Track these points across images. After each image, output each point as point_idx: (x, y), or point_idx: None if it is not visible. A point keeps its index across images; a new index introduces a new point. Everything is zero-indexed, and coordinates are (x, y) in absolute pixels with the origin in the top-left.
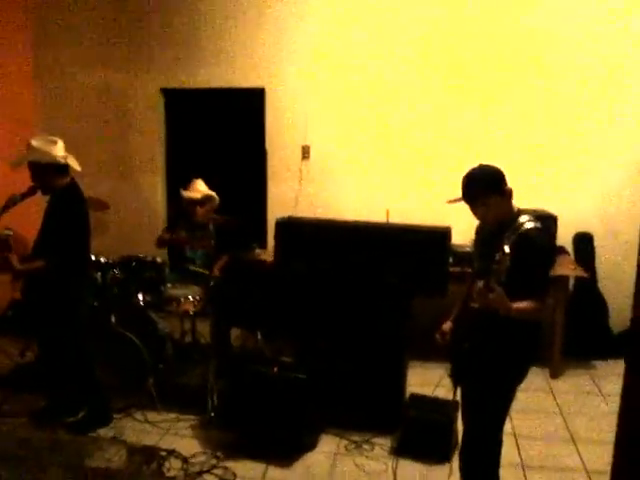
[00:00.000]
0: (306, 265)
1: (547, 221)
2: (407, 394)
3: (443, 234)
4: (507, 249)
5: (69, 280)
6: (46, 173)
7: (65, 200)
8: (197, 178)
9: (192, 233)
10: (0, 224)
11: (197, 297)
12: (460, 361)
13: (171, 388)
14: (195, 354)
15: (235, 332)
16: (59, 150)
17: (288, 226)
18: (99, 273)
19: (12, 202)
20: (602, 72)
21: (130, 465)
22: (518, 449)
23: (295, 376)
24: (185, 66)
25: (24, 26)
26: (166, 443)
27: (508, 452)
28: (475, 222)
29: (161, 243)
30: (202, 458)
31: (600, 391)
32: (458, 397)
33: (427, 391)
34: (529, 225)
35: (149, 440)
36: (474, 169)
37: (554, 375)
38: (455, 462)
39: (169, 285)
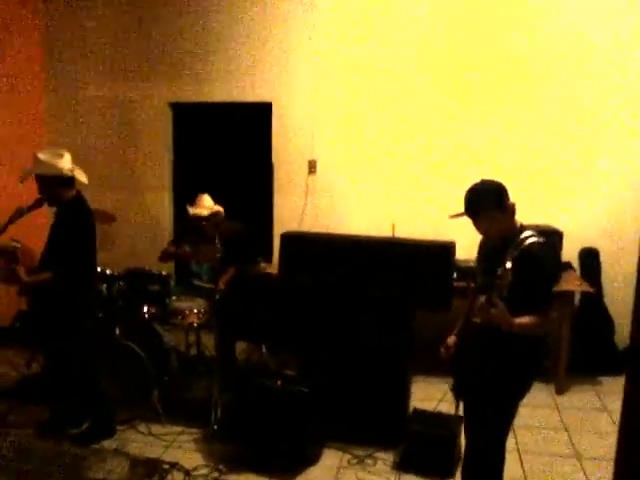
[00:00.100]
0: (310, 279)
1: (552, 236)
2: (411, 408)
3: (447, 249)
4: (509, 264)
5: (75, 292)
6: (52, 186)
7: (71, 212)
8: (203, 193)
9: (197, 247)
10: (7, 236)
11: (202, 310)
12: (463, 375)
13: (175, 401)
14: (200, 367)
15: (241, 345)
16: (65, 163)
17: (293, 240)
18: (104, 285)
19: (19, 214)
20: (610, 86)
21: (132, 477)
22: (522, 464)
23: (298, 389)
24: (193, 80)
25: (36, 39)
26: (169, 456)
27: (511, 467)
28: (479, 237)
29: (165, 257)
30: (204, 471)
31: (605, 407)
32: (461, 411)
33: (431, 406)
34: (532, 240)
35: (152, 453)
36: (476, 184)
37: (559, 391)
38: (458, 477)
39: (174, 298)
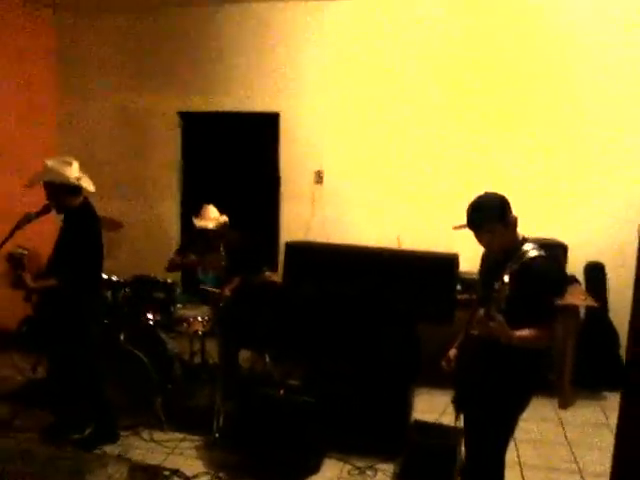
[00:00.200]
0: (314, 288)
1: (557, 250)
2: (413, 420)
3: (450, 261)
4: (506, 278)
5: (81, 298)
6: (59, 193)
7: (78, 219)
8: (208, 204)
9: (203, 256)
10: (15, 242)
11: (206, 317)
12: (463, 388)
13: (178, 408)
14: (204, 375)
15: (245, 354)
16: (73, 171)
17: (298, 249)
18: (110, 292)
19: (27, 220)
20: (616, 100)
21: None
22: (523, 479)
23: (300, 399)
24: (202, 90)
25: (51, 50)
26: (171, 462)
27: None
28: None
29: (172, 267)
30: (205, 478)
31: (609, 423)
32: (461, 424)
33: (433, 417)
34: (533, 253)
35: (154, 459)
36: (479, 197)
37: (563, 405)
38: None
39: (179, 305)
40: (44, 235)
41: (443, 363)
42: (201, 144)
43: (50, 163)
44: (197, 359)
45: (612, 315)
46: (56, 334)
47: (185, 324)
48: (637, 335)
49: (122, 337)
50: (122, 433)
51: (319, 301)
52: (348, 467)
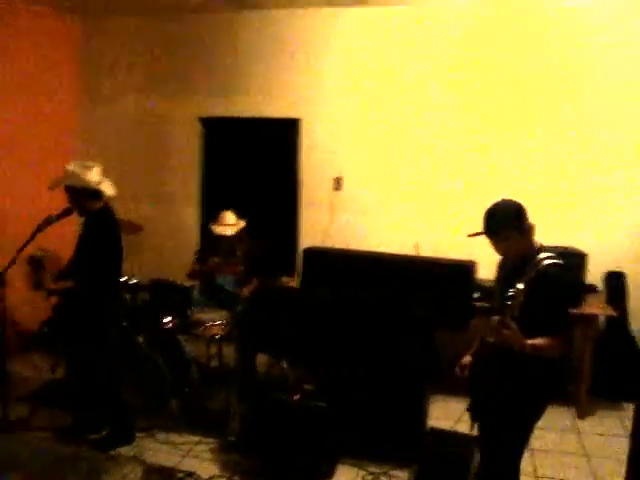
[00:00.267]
0: (331, 294)
1: (575, 259)
2: (428, 427)
3: (467, 268)
4: (520, 285)
5: (101, 301)
6: (80, 197)
7: (98, 223)
8: (226, 210)
9: (221, 260)
10: (37, 244)
11: (224, 321)
12: (479, 396)
13: (195, 411)
14: (221, 378)
15: (263, 358)
16: (93, 175)
17: (315, 255)
18: (129, 294)
19: (47, 222)
20: (635, 107)
21: None
22: None
23: (315, 404)
24: (223, 96)
25: (74, 55)
26: (186, 465)
27: None
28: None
29: (193, 275)
30: None
31: (628, 434)
32: (476, 431)
33: (448, 425)
34: (549, 262)
35: (170, 461)
36: (496, 204)
37: (581, 415)
38: None
39: (197, 309)
40: (66, 237)
41: (457, 370)
42: (221, 149)
43: (71, 167)
44: (214, 362)
45: (633, 324)
46: (75, 336)
47: (202, 328)
48: None
49: (140, 340)
50: (138, 435)
51: (336, 307)
52: (362, 473)
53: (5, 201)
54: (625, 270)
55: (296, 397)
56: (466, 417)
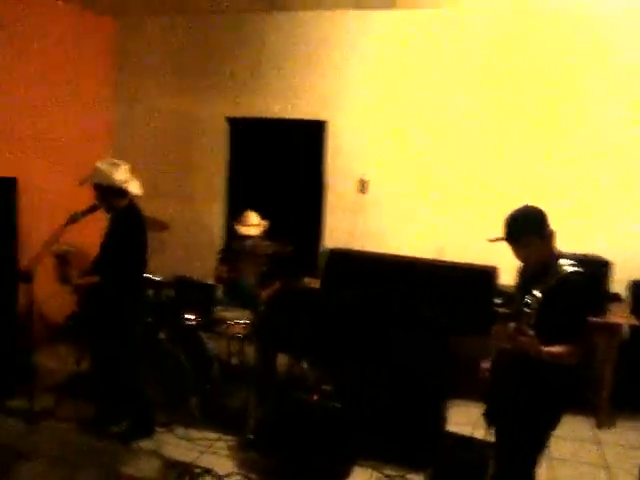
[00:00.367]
0: (352, 295)
1: (599, 267)
2: (445, 432)
3: (488, 274)
4: (537, 293)
5: (125, 297)
6: (107, 194)
7: (123, 220)
8: (249, 210)
9: (243, 262)
10: (64, 239)
11: (246, 321)
12: (495, 402)
13: (215, 408)
14: (241, 376)
15: (284, 358)
16: (120, 174)
17: (338, 256)
18: (152, 291)
19: (73, 219)
20: None
21: (162, 477)
22: None
23: (333, 405)
24: (250, 96)
25: (106, 53)
26: (204, 461)
27: None
28: None
29: (220, 280)
30: (236, 478)
31: None
32: (492, 437)
33: (466, 430)
34: (568, 269)
35: (188, 456)
36: (517, 210)
37: (601, 425)
38: None
39: (220, 307)
40: (94, 233)
41: (480, 372)
42: (248, 149)
43: (100, 165)
44: (235, 361)
45: None
46: (99, 331)
47: (225, 326)
48: None
49: (163, 336)
50: (158, 429)
51: (356, 308)
52: (378, 475)
53: (38, 196)
54: None
55: (315, 398)
56: (483, 422)
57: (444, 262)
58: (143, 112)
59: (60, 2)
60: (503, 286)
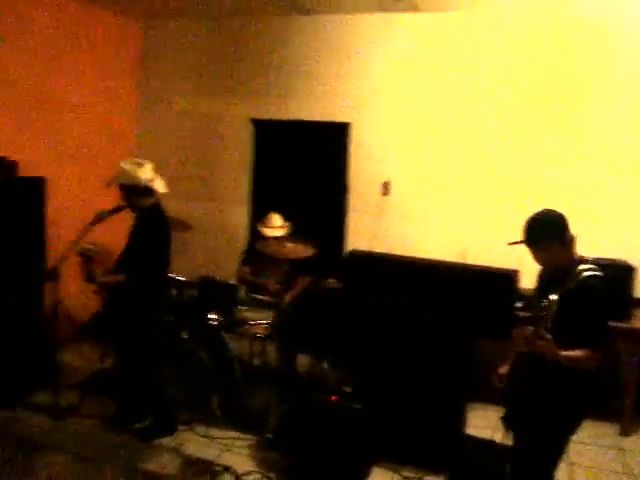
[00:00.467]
0: (373, 298)
1: (623, 271)
2: (466, 435)
3: (510, 277)
4: (553, 297)
5: (149, 296)
6: (132, 194)
7: (148, 220)
8: (273, 212)
9: (267, 262)
10: (91, 238)
11: (269, 321)
12: (513, 406)
13: (235, 407)
14: (262, 377)
15: (305, 358)
16: (145, 173)
17: (359, 258)
18: (176, 291)
19: (99, 218)
20: None
21: (182, 474)
22: None
23: (352, 406)
24: (275, 98)
25: (132, 56)
26: (224, 459)
27: None
28: None
29: (242, 281)
30: (255, 476)
31: None
32: (510, 441)
33: (487, 434)
34: (587, 273)
35: (208, 454)
36: (537, 214)
37: (625, 433)
38: None
39: (242, 307)
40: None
41: (494, 379)
42: (272, 151)
43: (125, 165)
44: (257, 361)
45: None
46: (123, 330)
47: (247, 326)
48: None
49: (185, 335)
50: (179, 427)
51: (377, 310)
52: (397, 477)
53: (66, 196)
54: None
55: (335, 398)
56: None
57: (464, 265)
58: (168, 114)
59: (84, 6)
60: (525, 290)
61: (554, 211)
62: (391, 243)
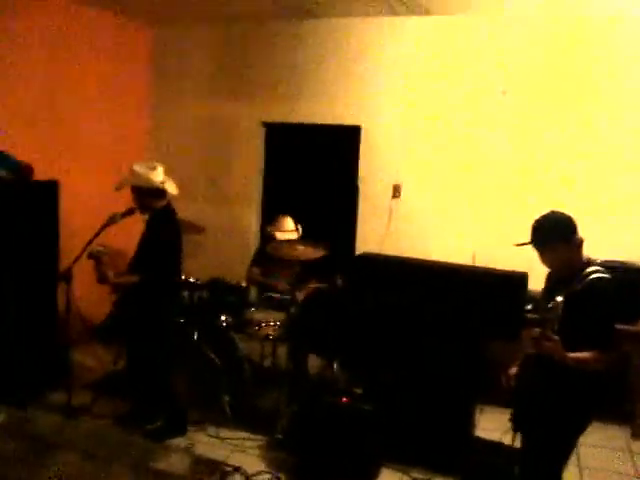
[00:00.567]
0: (383, 300)
1: (634, 274)
2: (474, 437)
3: (519, 279)
4: (559, 298)
5: (160, 298)
6: (144, 196)
7: (159, 222)
8: (284, 215)
9: (278, 264)
10: (103, 240)
11: (279, 322)
12: (522, 407)
13: (246, 408)
14: (273, 378)
15: (316, 360)
16: (157, 175)
17: (368, 261)
18: (186, 292)
19: (112, 220)
20: None
21: (192, 474)
22: None
23: (361, 407)
24: (286, 101)
25: (144, 60)
26: (234, 459)
27: None
28: None
29: (252, 282)
30: (265, 477)
31: None
32: (518, 443)
33: (496, 436)
34: (595, 275)
35: (218, 454)
36: (545, 215)
37: (636, 435)
38: None
39: (252, 309)
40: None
41: (503, 380)
42: (283, 154)
43: (137, 168)
44: (267, 362)
45: None
46: (135, 331)
47: (257, 327)
48: None
49: (196, 336)
50: (190, 427)
51: (386, 312)
52: (406, 478)
53: (78, 199)
54: None
55: (345, 400)
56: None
57: (474, 267)
58: (180, 117)
59: (96, 11)
60: (534, 292)
61: (562, 213)
62: (401, 246)
